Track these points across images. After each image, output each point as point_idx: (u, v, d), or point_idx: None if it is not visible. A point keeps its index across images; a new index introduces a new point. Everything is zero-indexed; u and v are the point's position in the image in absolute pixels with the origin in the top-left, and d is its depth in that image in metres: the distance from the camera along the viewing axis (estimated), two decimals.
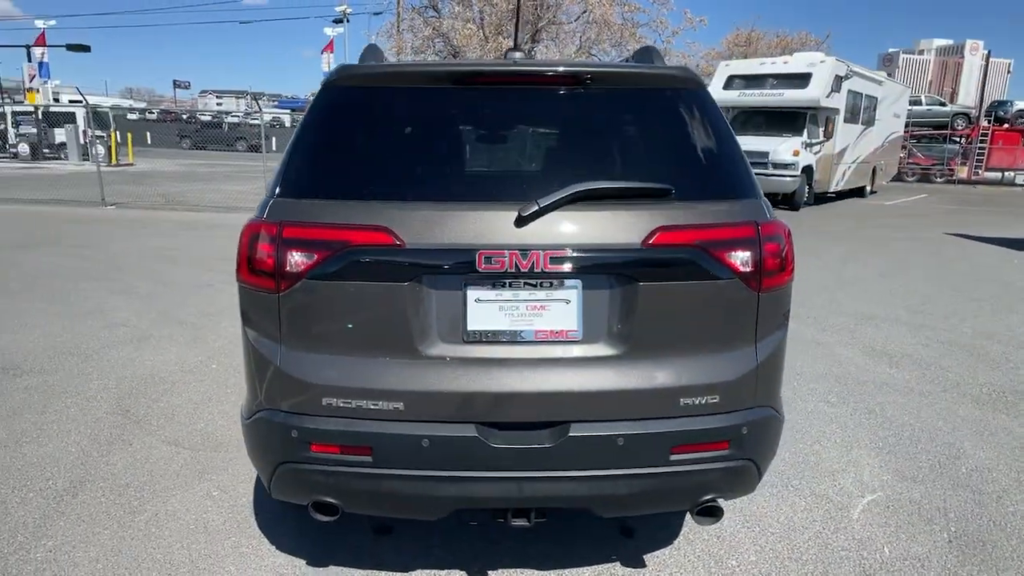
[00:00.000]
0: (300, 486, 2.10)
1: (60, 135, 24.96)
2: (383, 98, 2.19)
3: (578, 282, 2.01)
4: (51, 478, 3.10)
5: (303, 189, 2.08)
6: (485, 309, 2.01)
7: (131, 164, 23.56)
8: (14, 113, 26.71)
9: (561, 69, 2.21)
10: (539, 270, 1.96)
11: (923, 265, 8.74)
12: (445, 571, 2.52)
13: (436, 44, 18.02)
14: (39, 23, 27.62)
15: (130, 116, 34.35)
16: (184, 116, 41.53)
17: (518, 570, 2.53)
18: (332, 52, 27.34)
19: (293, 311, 2.02)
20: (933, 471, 3.28)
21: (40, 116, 24.72)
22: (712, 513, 2.15)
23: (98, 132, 19.30)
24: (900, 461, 3.36)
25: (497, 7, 17.06)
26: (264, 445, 2.11)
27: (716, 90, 16.44)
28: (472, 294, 2.00)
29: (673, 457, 2.03)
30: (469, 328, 2.00)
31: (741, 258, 2.03)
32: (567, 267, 1.97)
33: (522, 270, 1.95)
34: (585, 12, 18.17)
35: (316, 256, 1.96)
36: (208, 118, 38.94)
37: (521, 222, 1.95)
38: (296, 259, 1.97)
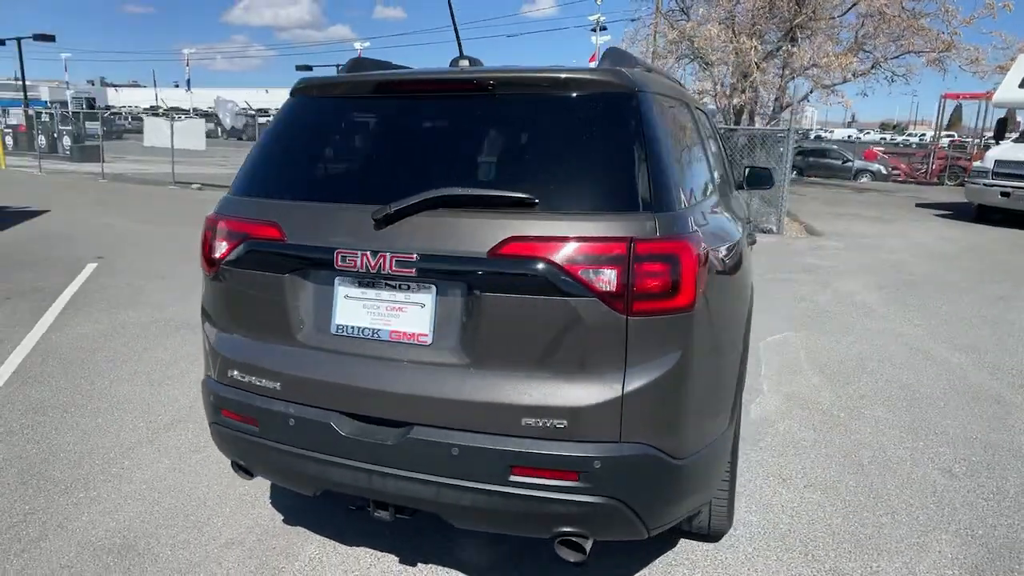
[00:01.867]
0: (221, 445, 2.46)
1: None
2: (305, 107, 2.49)
3: (433, 287, 2.04)
4: None
5: (240, 187, 2.41)
6: (351, 305, 2.15)
7: None
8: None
9: (465, 77, 2.23)
10: (386, 272, 2.03)
11: None
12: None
13: (681, 47, 17.55)
14: (357, 45, 32.77)
15: None
16: None
17: None
18: (595, 62, 28.31)
19: (214, 292, 2.38)
20: None
21: None
22: (574, 547, 2.01)
23: None
24: None
25: (744, 4, 16.01)
26: (204, 404, 2.50)
27: (1010, 88, 13.42)
28: (341, 290, 2.16)
29: (513, 478, 1.96)
30: (336, 322, 2.16)
31: (602, 276, 1.88)
32: (414, 271, 2.02)
33: (371, 271, 2.04)
34: (855, 5, 16.12)
35: (227, 245, 2.29)
36: None
37: (377, 225, 2.03)
38: (219, 247, 2.31)
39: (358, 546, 2.73)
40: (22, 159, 22.44)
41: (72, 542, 2.73)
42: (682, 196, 2.09)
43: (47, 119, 25.45)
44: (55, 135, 24.31)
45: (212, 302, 2.40)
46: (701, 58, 17.09)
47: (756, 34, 16.33)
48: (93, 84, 72.94)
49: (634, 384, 1.91)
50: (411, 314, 2.07)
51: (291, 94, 2.50)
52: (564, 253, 1.89)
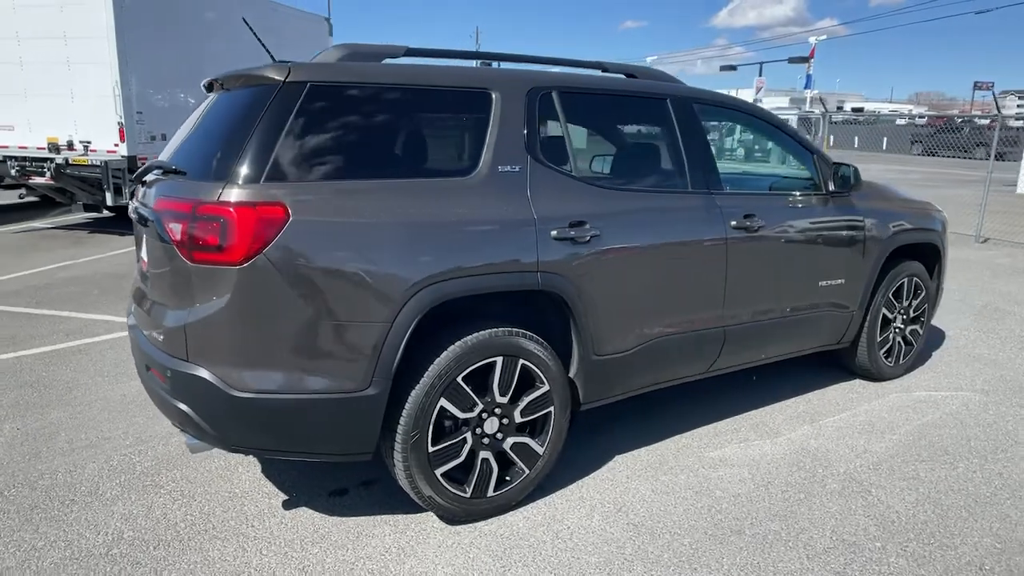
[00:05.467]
0: None
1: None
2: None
3: (147, 228, 2.64)
4: None
5: None
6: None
7: None
8: None
9: (218, 77, 2.76)
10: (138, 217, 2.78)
11: None
12: None
13: None
14: (811, 39, 32.66)
15: (899, 122, 35.07)
16: (959, 120, 32.43)
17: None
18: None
19: None
20: None
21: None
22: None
23: None
24: None
25: None
26: None
27: None
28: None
29: (149, 374, 2.62)
30: (140, 254, 2.88)
31: (176, 229, 2.34)
32: (136, 217, 2.80)
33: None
34: None
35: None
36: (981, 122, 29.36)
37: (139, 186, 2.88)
38: None
39: None
40: None
41: None
42: (292, 173, 2.34)
43: None
44: None
45: None
46: None
47: None
48: None
49: (194, 318, 2.33)
50: (144, 249, 2.74)
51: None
52: (167, 209, 2.42)
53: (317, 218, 2.32)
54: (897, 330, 4.35)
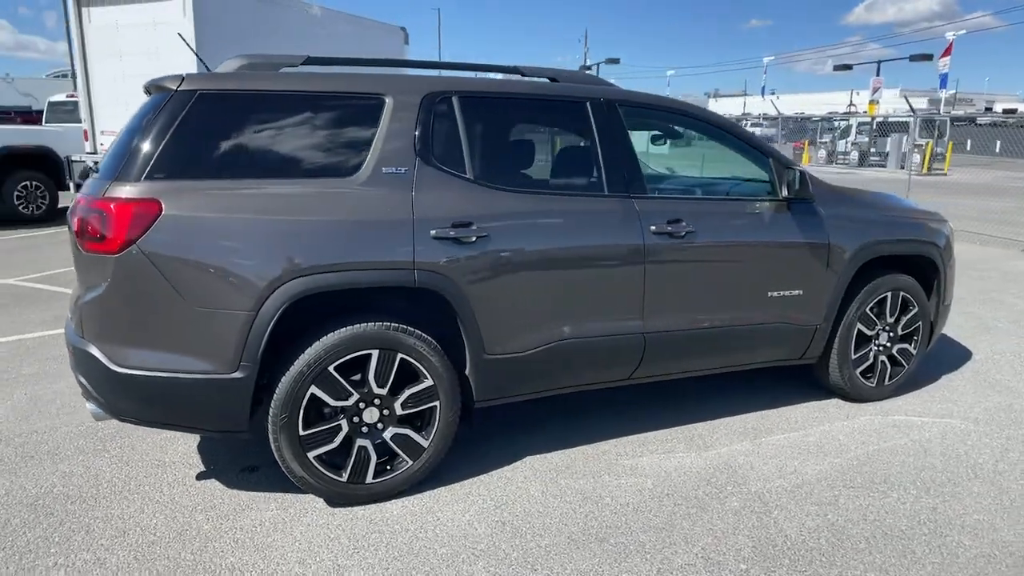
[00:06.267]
0: None
1: (887, 144, 26.28)
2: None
3: None
4: None
5: None
6: None
7: (944, 174, 22.70)
8: (859, 123, 29.52)
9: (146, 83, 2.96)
10: None
11: None
12: None
13: None
14: (949, 35, 31.08)
15: (980, 122, 34.28)
16: None
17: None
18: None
19: None
20: None
21: (874, 126, 27.51)
22: None
23: (918, 140, 18.71)
24: None
25: None
26: None
27: None
28: None
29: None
30: None
31: (72, 220, 2.70)
32: None
33: None
34: None
35: None
36: None
37: None
38: None
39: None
40: None
41: None
42: (175, 172, 2.60)
43: None
44: None
45: None
46: None
47: None
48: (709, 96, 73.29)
49: (84, 300, 2.66)
50: None
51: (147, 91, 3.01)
52: (75, 205, 2.70)
53: (190, 214, 2.57)
54: (880, 348, 4.03)
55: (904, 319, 4.06)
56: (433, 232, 2.83)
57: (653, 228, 3.24)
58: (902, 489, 3.09)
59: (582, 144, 3.30)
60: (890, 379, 4.09)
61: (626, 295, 3.24)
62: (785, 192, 3.56)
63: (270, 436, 2.74)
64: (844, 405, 4.04)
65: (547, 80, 3.37)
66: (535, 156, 3.50)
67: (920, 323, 4.11)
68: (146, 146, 2.61)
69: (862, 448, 3.49)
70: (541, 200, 3.12)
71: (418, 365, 2.88)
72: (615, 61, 43.77)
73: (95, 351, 2.63)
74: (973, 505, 2.96)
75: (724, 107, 78.49)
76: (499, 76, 3.40)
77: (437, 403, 2.95)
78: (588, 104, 3.27)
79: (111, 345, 2.62)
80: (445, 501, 2.96)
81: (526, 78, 3.37)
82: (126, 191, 2.55)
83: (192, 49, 3.08)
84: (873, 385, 4.04)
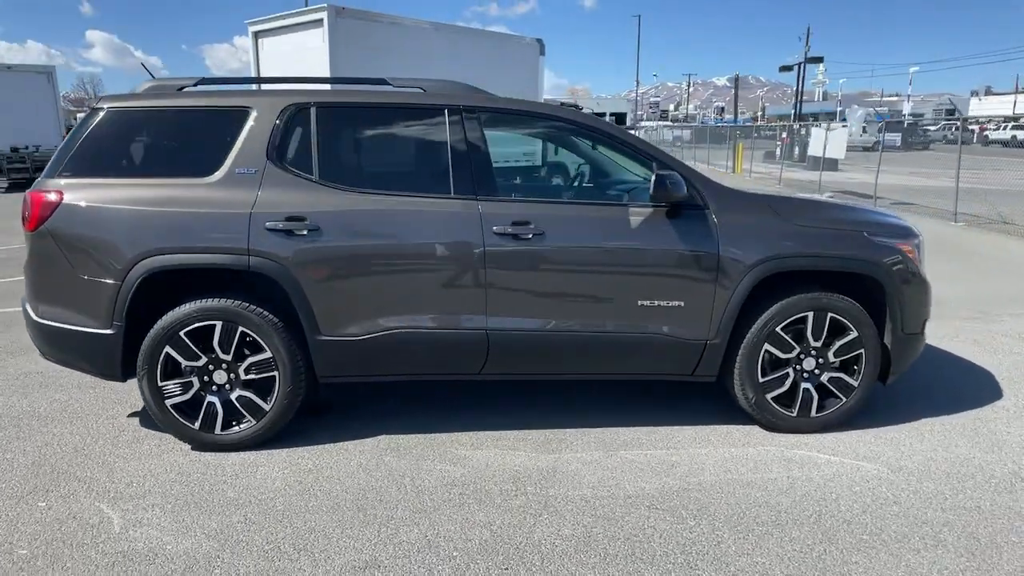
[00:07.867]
0: None
1: None
2: None
3: None
4: None
5: None
6: None
7: None
8: None
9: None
10: None
11: None
12: None
13: None
14: None
15: None
16: None
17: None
18: None
19: None
20: None
21: None
22: None
23: None
24: None
25: None
26: None
27: None
28: None
29: None
30: None
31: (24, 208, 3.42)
32: None
33: None
34: None
35: None
36: None
37: None
38: None
39: None
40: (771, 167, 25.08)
41: None
42: (82, 171, 3.34)
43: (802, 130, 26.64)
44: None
45: None
46: None
47: None
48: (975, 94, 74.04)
49: (24, 265, 3.43)
50: None
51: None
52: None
53: (82, 203, 3.31)
54: (805, 375, 3.61)
55: (837, 344, 3.58)
56: (268, 224, 3.28)
57: (496, 229, 3.35)
58: (704, 520, 2.85)
59: (435, 149, 3.51)
60: (819, 411, 3.64)
61: (466, 292, 3.39)
62: (661, 197, 3.39)
63: (137, 383, 3.40)
64: (760, 433, 3.69)
65: (419, 90, 3.63)
66: (390, 160, 3.77)
67: (863, 351, 3.59)
68: (65, 151, 3.42)
69: (716, 476, 3.22)
70: (382, 200, 3.40)
71: (258, 338, 3.35)
72: (818, 60, 41.89)
73: (26, 304, 3.50)
74: (761, 548, 2.65)
75: (990, 108, 66.73)
76: (365, 87, 3.74)
77: (276, 373, 3.39)
78: (445, 111, 3.47)
79: (33, 301, 3.47)
80: (275, 460, 3.38)
81: (395, 88, 3.66)
82: (44, 184, 3.38)
83: (150, 73, 3.84)
84: (794, 415, 3.63)
